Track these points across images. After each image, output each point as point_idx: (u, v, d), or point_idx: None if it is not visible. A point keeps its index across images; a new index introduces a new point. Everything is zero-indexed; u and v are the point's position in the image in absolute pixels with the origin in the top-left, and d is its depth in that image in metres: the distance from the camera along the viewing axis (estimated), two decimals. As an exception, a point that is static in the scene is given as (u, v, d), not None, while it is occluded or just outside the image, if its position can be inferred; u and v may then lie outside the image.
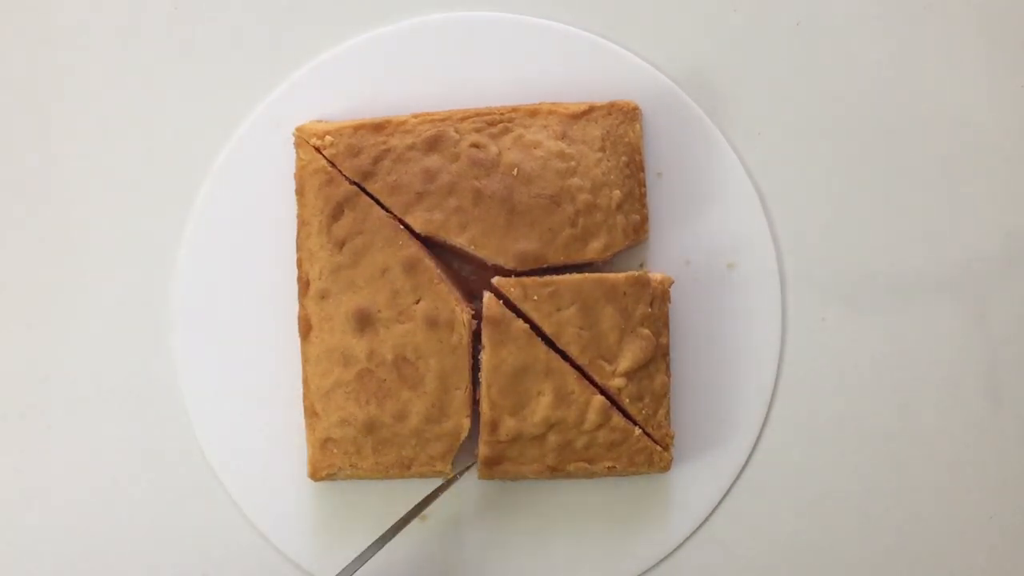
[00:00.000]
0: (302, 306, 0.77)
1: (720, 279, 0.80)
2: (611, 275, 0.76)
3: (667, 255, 0.80)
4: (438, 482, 0.77)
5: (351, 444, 0.76)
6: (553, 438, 0.75)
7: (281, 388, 0.79)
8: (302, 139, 0.78)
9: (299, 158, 0.78)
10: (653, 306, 0.76)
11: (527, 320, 0.75)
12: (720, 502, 0.79)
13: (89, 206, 0.82)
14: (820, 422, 0.80)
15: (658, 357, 0.76)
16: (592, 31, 0.82)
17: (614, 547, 0.78)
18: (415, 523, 0.78)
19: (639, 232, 0.78)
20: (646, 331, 0.75)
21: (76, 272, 0.82)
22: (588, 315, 0.75)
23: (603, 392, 0.75)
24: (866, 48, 0.83)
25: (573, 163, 0.77)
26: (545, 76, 0.81)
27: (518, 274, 0.76)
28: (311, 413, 0.77)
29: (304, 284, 0.77)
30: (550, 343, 0.75)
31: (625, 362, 0.75)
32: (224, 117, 0.82)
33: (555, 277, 0.76)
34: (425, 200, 0.76)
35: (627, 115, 0.79)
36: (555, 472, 0.75)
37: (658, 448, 0.76)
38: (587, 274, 0.76)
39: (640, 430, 0.75)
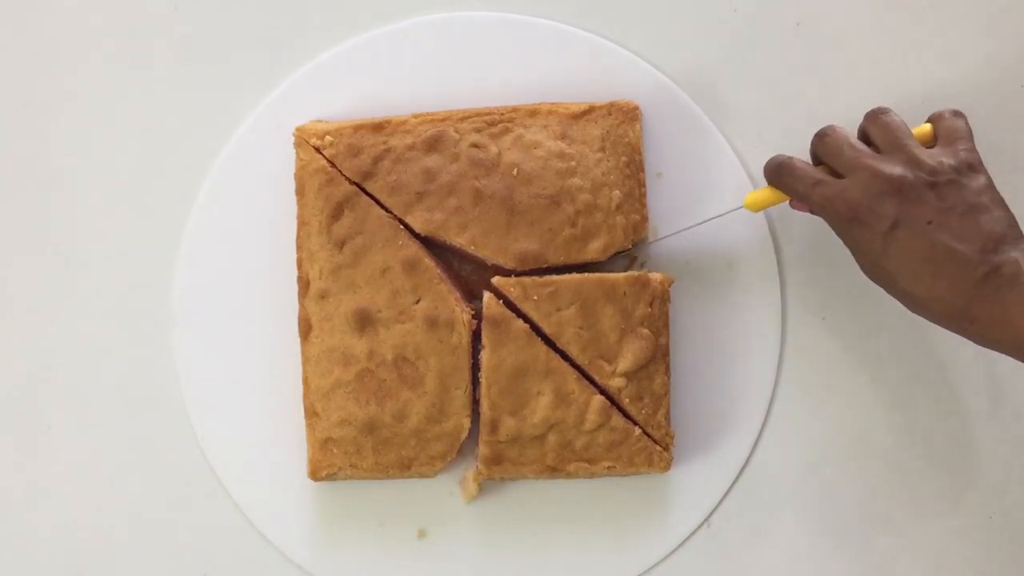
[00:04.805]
0: (302, 306, 0.77)
1: (720, 279, 0.80)
2: (611, 275, 0.76)
3: (667, 255, 0.80)
4: (437, 483, 0.78)
5: (351, 444, 0.76)
6: (553, 438, 0.75)
7: (281, 388, 0.79)
8: (302, 139, 0.78)
9: (299, 158, 0.78)
10: (653, 306, 0.76)
11: (527, 320, 0.75)
12: (720, 502, 0.79)
13: (89, 206, 0.82)
14: (820, 422, 0.80)
15: (658, 357, 0.76)
16: (592, 31, 0.82)
17: (614, 547, 0.78)
18: (415, 525, 0.78)
19: (639, 232, 0.78)
20: (646, 331, 0.75)
21: (76, 272, 0.82)
22: (588, 315, 0.75)
23: (603, 392, 0.75)
24: (866, 48, 0.83)
25: (573, 163, 0.77)
26: (545, 76, 0.81)
27: (518, 274, 0.76)
28: (311, 413, 0.77)
29: (304, 284, 0.77)
30: (550, 343, 0.75)
31: (625, 362, 0.75)
32: (224, 117, 0.82)
33: (555, 277, 0.76)
34: (425, 200, 0.76)
35: (627, 115, 0.79)
36: (555, 472, 0.75)
37: (658, 448, 0.76)
38: (587, 274, 0.76)
39: (640, 430, 0.75)
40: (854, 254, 0.71)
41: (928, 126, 0.73)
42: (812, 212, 0.75)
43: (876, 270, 0.70)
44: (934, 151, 0.70)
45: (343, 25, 0.83)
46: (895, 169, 0.69)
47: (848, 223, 0.69)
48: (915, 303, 0.69)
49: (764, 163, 0.75)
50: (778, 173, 0.73)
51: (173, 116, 0.83)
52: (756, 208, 0.76)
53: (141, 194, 0.82)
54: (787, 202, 0.76)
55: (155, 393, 0.81)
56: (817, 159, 0.74)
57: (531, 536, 0.78)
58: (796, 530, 0.80)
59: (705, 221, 0.79)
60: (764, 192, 0.75)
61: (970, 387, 0.81)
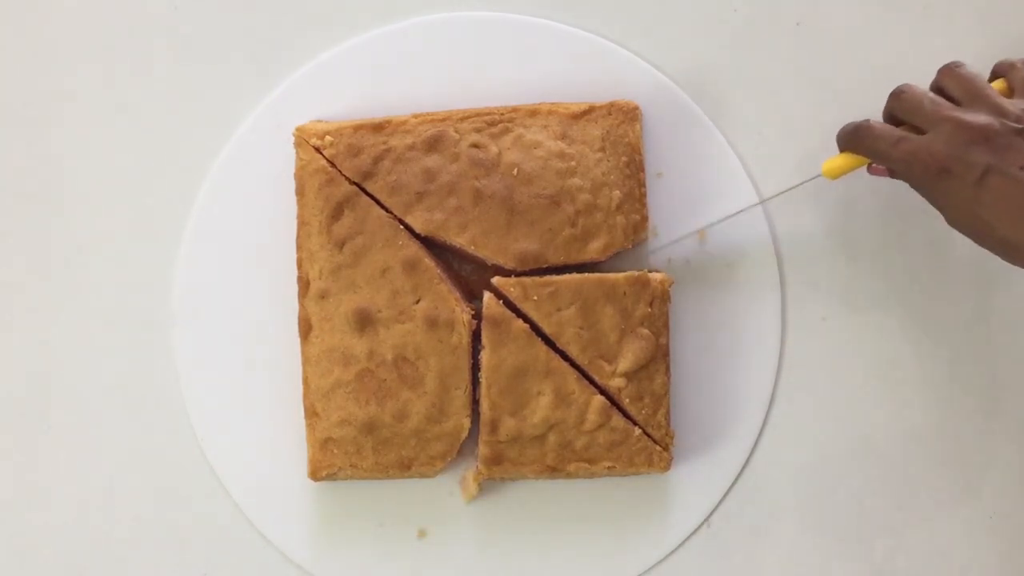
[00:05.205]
0: (302, 306, 0.77)
1: (720, 279, 0.80)
2: (611, 275, 0.76)
3: (667, 255, 0.80)
4: (437, 483, 0.78)
5: (351, 444, 0.76)
6: (553, 438, 0.75)
7: (281, 388, 0.79)
8: (302, 139, 0.78)
9: (299, 158, 0.78)
10: (653, 306, 0.76)
11: (527, 320, 0.75)
12: (720, 502, 0.79)
13: (89, 206, 0.82)
14: (820, 422, 0.80)
15: (658, 357, 0.76)
16: (592, 31, 0.82)
17: (614, 547, 0.78)
18: (415, 525, 0.78)
19: (639, 232, 0.78)
20: (646, 331, 0.75)
21: (76, 272, 0.82)
22: (588, 315, 0.75)
23: (603, 392, 0.75)
24: (866, 48, 0.83)
25: (573, 163, 0.77)
26: (545, 76, 0.81)
27: (518, 274, 0.76)
28: (311, 413, 0.77)
29: (304, 284, 0.77)
30: (550, 343, 0.75)
31: (625, 362, 0.75)
32: (224, 117, 0.82)
33: (555, 277, 0.76)
34: (425, 200, 0.76)
35: (627, 115, 0.79)
36: (555, 472, 0.75)
37: (658, 448, 0.76)
38: (587, 274, 0.76)
39: (640, 430, 0.75)
40: (942, 209, 0.70)
41: (1002, 80, 0.72)
42: (892, 175, 0.73)
43: (970, 221, 0.68)
44: (1016, 100, 0.70)
45: (343, 25, 0.83)
46: (979, 118, 0.68)
47: (935, 177, 0.68)
48: (1014, 250, 0.68)
49: (837, 132, 0.74)
50: (856, 136, 0.72)
51: (173, 116, 0.83)
52: (834, 175, 0.74)
53: (141, 194, 0.82)
54: (865, 167, 0.74)
55: (155, 393, 0.81)
56: (893, 120, 0.73)
57: (531, 536, 0.78)
58: (796, 530, 0.80)
59: (775, 196, 0.79)
60: (842, 158, 0.74)
61: (970, 387, 0.81)
